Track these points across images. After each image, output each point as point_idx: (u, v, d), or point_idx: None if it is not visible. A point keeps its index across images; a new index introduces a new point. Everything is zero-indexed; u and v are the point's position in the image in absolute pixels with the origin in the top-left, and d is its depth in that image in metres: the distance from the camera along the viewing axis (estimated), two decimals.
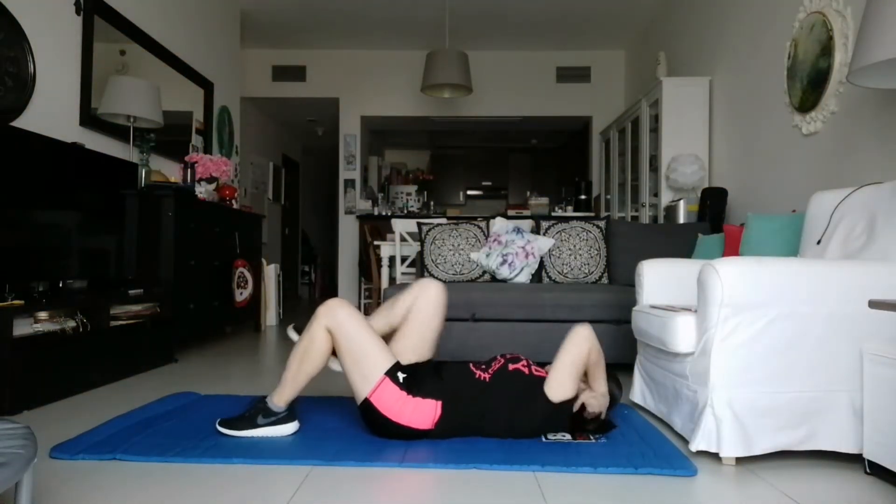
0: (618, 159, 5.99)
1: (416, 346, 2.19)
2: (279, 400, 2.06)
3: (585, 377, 2.12)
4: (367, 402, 1.99)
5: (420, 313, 2.19)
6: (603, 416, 2.09)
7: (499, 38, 6.78)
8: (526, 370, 2.09)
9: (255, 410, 2.07)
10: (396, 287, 3.55)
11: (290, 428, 2.07)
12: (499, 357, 2.19)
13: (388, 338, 2.21)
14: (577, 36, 6.71)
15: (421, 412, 1.99)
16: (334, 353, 2.08)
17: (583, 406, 2.05)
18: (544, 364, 2.25)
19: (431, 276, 3.78)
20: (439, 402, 2.00)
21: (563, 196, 8.24)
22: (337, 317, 2.01)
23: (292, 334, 2.24)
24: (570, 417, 2.05)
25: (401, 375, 2.01)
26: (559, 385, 2.00)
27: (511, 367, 2.10)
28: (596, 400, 2.06)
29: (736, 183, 4.22)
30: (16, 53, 2.95)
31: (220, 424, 2.07)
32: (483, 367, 2.14)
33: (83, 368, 2.76)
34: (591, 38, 6.76)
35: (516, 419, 2.01)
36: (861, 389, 1.81)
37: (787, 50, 3.49)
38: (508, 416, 2.01)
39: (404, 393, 1.98)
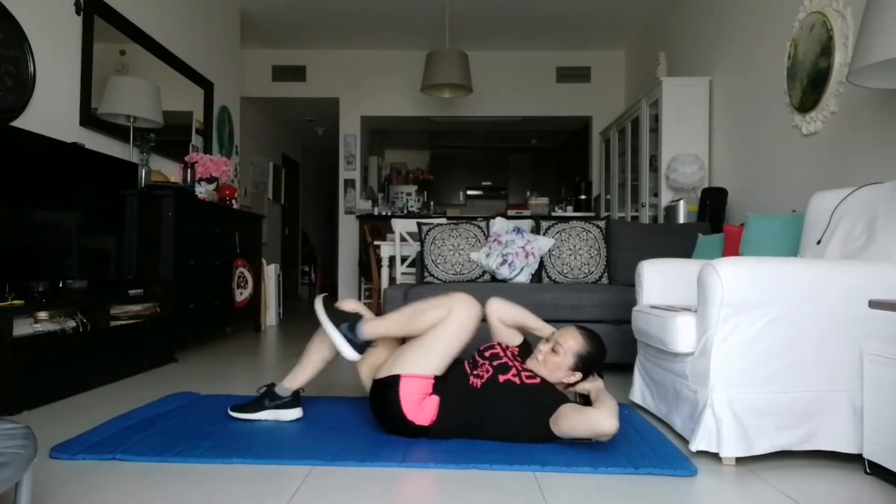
0: (618, 159, 6.00)
1: None
2: (371, 329, 2.09)
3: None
4: (397, 378, 1.99)
5: None
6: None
7: (499, 38, 6.78)
8: (517, 380, 2.03)
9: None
10: (397, 287, 3.55)
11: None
12: (480, 360, 2.14)
13: (401, 341, 2.22)
14: (577, 36, 6.71)
15: (424, 409, 2.00)
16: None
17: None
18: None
19: (432, 276, 3.78)
20: (437, 398, 2.01)
21: (563, 196, 8.24)
22: (469, 312, 2.05)
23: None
24: None
25: (439, 384, 2.04)
26: (564, 436, 1.93)
27: (501, 378, 2.03)
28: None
29: (736, 183, 4.22)
30: (16, 53, 2.95)
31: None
32: (475, 371, 2.10)
33: (83, 368, 2.76)
34: (591, 38, 6.76)
35: (515, 429, 1.98)
36: (861, 389, 1.81)
37: (787, 50, 3.49)
38: (507, 427, 1.99)
39: (429, 393, 2.01)
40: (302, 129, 9.11)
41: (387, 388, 2.01)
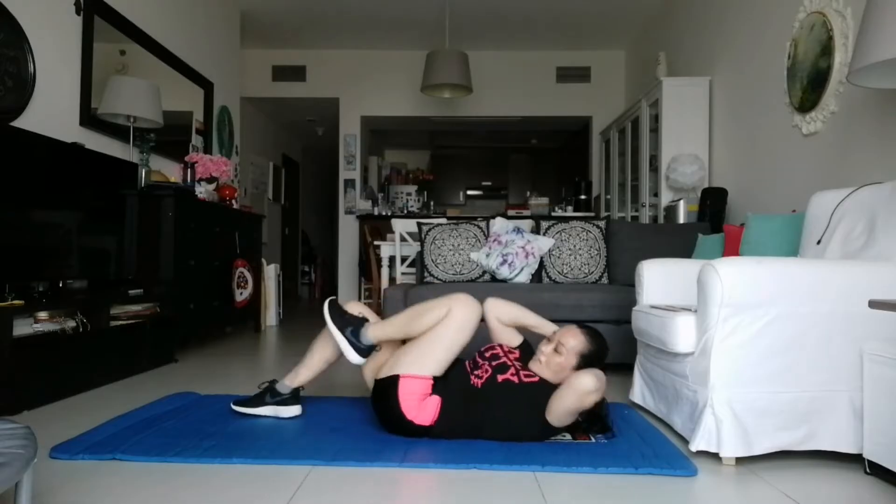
0: (618, 159, 5.99)
1: None
2: (375, 333, 2.12)
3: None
4: (396, 377, 2.00)
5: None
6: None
7: (499, 38, 6.78)
8: (515, 378, 2.03)
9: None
10: (397, 288, 3.55)
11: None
12: (480, 360, 2.14)
13: (400, 343, 2.21)
14: (577, 36, 6.71)
15: (425, 409, 2.00)
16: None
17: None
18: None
19: (432, 276, 3.77)
20: (439, 399, 2.01)
21: (563, 196, 8.24)
22: (468, 311, 2.06)
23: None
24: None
25: (439, 384, 2.05)
26: (558, 420, 1.96)
27: (500, 377, 2.04)
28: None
29: (736, 183, 4.22)
30: (16, 53, 2.95)
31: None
32: (475, 371, 2.11)
33: (83, 368, 2.76)
34: (591, 38, 6.76)
35: (515, 428, 2.00)
36: (861, 389, 1.81)
37: (787, 50, 3.49)
38: (506, 426, 2.00)
39: (428, 394, 2.01)
40: (302, 129, 9.11)
41: (387, 388, 2.02)
